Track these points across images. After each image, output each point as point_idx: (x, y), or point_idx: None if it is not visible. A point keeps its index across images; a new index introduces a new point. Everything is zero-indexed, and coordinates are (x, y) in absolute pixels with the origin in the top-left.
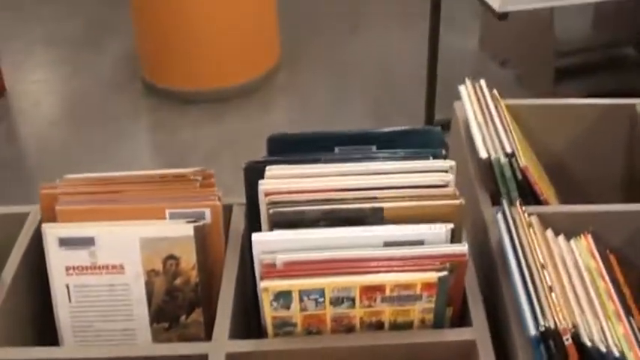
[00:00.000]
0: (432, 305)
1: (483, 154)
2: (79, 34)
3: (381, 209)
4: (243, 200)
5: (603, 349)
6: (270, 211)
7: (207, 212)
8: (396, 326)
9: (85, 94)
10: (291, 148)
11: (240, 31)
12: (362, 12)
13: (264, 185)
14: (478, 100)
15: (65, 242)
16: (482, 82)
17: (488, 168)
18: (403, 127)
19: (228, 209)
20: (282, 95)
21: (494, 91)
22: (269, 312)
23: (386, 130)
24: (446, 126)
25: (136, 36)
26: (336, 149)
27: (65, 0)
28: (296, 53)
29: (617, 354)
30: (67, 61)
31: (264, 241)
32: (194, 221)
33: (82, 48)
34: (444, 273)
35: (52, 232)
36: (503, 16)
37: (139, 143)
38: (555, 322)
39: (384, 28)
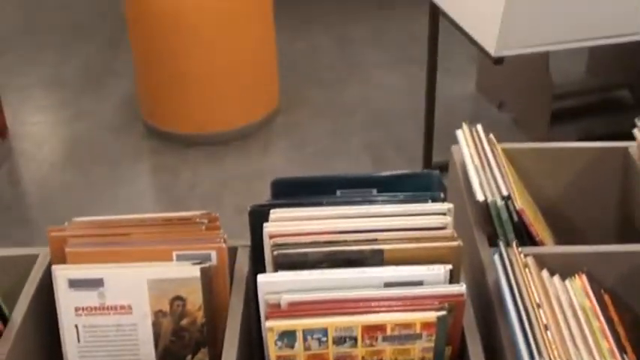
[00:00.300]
0: (432, 344)
1: (480, 197)
2: (80, 77)
3: (382, 251)
4: (246, 242)
5: None
6: (275, 252)
7: (213, 254)
8: None
9: (87, 136)
10: (294, 191)
11: (240, 76)
12: (358, 59)
13: (268, 228)
14: (475, 144)
15: (75, 283)
16: (479, 126)
17: (485, 210)
18: (403, 171)
19: (232, 251)
20: (280, 137)
21: (491, 136)
22: (274, 351)
23: (386, 173)
24: (444, 168)
25: (136, 80)
26: (338, 192)
27: (66, 43)
28: (294, 97)
29: None
30: (68, 104)
31: (269, 282)
32: (200, 263)
33: (83, 90)
34: (443, 313)
35: (62, 274)
36: (499, 60)
37: (140, 185)
38: None
39: (380, 73)
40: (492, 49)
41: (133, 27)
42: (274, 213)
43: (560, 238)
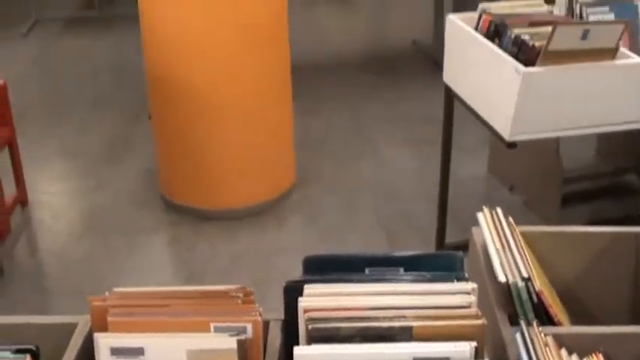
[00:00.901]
0: None
1: (502, 278)
2: (100, 148)
3: (410, 328)
4: (277, 316)
5: None
6: (309, 326)
7: (249, 327)
8: None
9: (105, 207)
10: (324, 268)
11: (258, 154)
12: (373, 137)
13: (303, 303)
14: (495, 226)
15: (117, 351)
16: (499, 210)
17: (506, 291)
18: (428, 252)
19: (265, 324)
20: (295, 213)
21: (510, 219)
22: None
23: (411, 253)
24: (458, 248)
25: (156, 154)
26: (367, 270)
27: (86, 115)
28: (309, 173)
29: None
30: (87, 175)
31: (306, 354)
32: (237, 335)
33: (102, 162)
34: None
35: (105, 342)
36: (513, 145)
37: (157, 257)
38: None
39: (394, 151)
40: (506, 134)
41: (154, 102)
42: (308, 289)
43: (575, 318)
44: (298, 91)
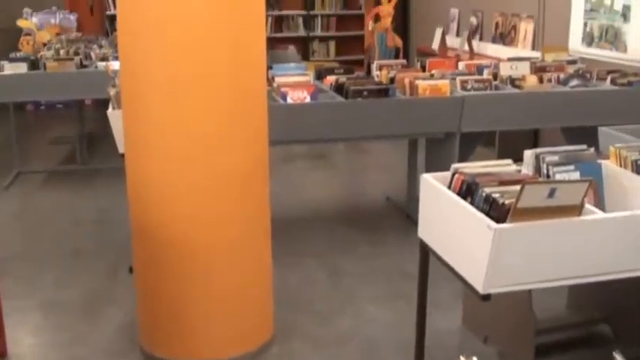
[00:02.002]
0: None
1: None
2: (80, 302)
3: None
4: None
5: None
6: None
7: None
8: None
9: None
10: None
11: (239, 305)
12: (351, 291)
13: None
14: None
15: None
16: (475, 358)
17: None
18: None
19: None
20: None
21: None
22: None
23: None
24: None
25: (137, 306)
26: None
27: (67, 267)
28: (288, 327)
29: None
30: (67, 328)
31: None
32: None
33: (81, 315)
34: None
35: None
36: (487, 297)
37: None
38: None
39: (371, 306)
40: (480, 287)
41: (137, 253)
42: None
43: None
44: (277, 244)
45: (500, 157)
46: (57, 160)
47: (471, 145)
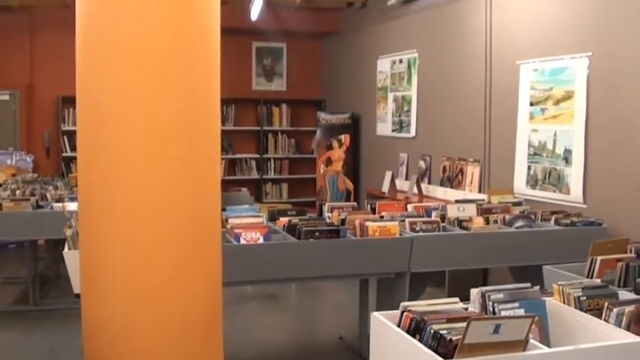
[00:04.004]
0: None
1: None
2: None
3: None
4: None
5: None
6: None
7: None
8: None
9: None
10: None
11: None
12: None
13: None
14: None
15: None
16: None
17: None
18: None
19: None
20: None
21: None
22: None
23: None
24: None
25: None
26: None
27: None
28: None
29: None
30: None
31: None
32: None
33: None
34: None
35: None
36: None
37: None
38: None
39: None
40: None
41: None
42: None
43: None
44: None
45: (450, 296)
46: (8, 301)
47: (421, 284)
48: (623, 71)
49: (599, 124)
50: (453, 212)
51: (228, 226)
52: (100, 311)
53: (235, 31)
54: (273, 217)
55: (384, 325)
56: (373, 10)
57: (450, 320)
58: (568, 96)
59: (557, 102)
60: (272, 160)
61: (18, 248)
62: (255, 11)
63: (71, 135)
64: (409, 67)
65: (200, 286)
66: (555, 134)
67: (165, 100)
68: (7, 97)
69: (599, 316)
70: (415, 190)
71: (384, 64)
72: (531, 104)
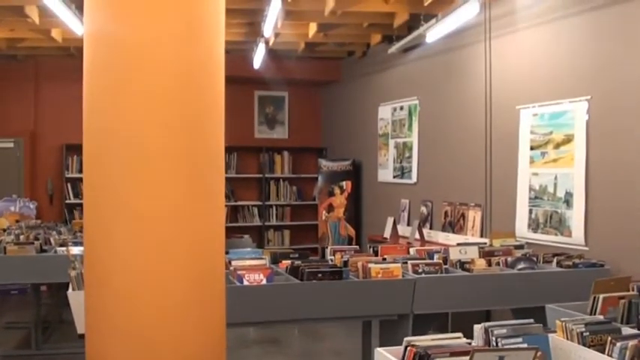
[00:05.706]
0: None
1: None
2: None
3: None
4: None
5: None
6: None
7: None
8: None
9: None
10: None
11: None
12: None
13: None
14: None
15: None
16: None
17: None
18: None
19: None
20: None
21: None
22: None
23: None
24: None
25: None
26: None
27: None
28: None
29: None
30: None
31: None
32: None
33: None
34: None
35: None
36: None
37: None
38: None
39: None
40: None
41: None
42: None
43: None
44: None
45: None
46: (11, 345)
47: (424, 327)
48: (622, 113)
49: (599, 167)
50: (455, 255)
51: (231, 268)
52: (104, 350)
53: (238, 80)
54: (275, 260)
55: None
56: (374, 58)
57: (453, 354)
58: (568, 139)
59: (558, 145)
60: (274, 207)
61: (20, 294)
62: (258, 60)
63: (75, 182)
64: (410, 113)
65: (205, 327)
66: (556, 177)
67: (171, 145)
68: (11, 145)
69: (603, 352)
70: (417, 236)
71: (385, 111)
72: (532, 148)
